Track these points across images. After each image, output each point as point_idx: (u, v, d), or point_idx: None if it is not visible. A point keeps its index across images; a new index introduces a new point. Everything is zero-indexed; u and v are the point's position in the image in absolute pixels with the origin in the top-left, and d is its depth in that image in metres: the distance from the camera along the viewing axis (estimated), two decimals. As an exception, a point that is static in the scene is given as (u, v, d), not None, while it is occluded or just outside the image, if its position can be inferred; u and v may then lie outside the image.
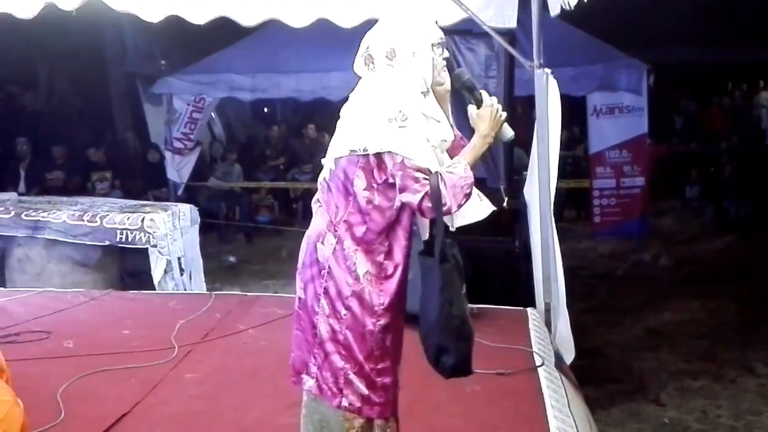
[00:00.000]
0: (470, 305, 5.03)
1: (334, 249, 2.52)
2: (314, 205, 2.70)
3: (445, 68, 2.59)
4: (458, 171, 2.45)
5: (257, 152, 12.69)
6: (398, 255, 2.53)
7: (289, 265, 8.42)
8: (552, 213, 4.35)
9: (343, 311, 2.51)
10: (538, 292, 4.84)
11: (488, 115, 2.57)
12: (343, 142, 2.54)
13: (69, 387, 3.90)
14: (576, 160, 11.46)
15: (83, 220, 6.30)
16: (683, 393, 5.20)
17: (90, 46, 11.33)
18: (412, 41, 2.51)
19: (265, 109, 14.39)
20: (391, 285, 2.52)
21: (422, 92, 2.51)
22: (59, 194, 8.24)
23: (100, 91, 12.39)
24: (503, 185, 5.79)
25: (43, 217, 6.37)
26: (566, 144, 10.20)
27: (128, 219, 6.23)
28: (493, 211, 2.71)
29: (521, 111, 8.16)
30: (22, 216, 6.40)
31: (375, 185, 2.48)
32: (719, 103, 14.32)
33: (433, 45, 2.53)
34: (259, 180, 11.72)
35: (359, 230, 2.50)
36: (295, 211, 11.77)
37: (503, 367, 4.06)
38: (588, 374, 5.05)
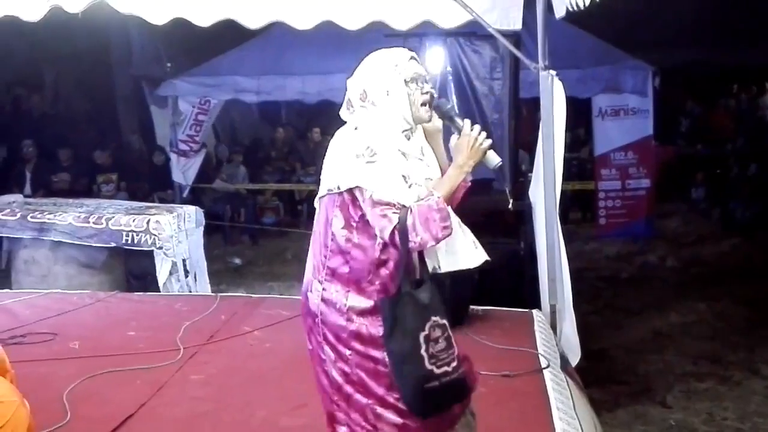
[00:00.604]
0: (476, 307, 5.08)
1: (322, 296, 2.50)
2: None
3: (428, 103, 2.53)
4: (430, 203, 2.39)
5: (262, 154, 12.70)
6: (393, 289, 2.44)
7: (294, 267, 8.49)
8: (558, 214, 4.34)
9: (348, 352, 2.48)
10: (543, 293, 4.84)
11: (465, 145, 2.49)
12: (322, 184, 2.54)
13: (75, 388, 3.91)
14: (581, 162, 11.44)
15: (89, 222, 6.32)
16: (689, 395, 5.19)
17: (96, 48, 11.35)
18: (384, 80, 2.49)
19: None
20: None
21: (404, 131, 2.50)
22: (65, 196, 8.25)
23: (105, 93, 12.42)
24: (508, 187, 5.79)
25: (49, 219, 6.39)
26: (571, 146, 10.20)
27: (134, 221, 6.24)
28: (486, 261, 2.67)
29: (526, 113, 8.16)
30: (28, 218, 6.42)
31: (353, 223, 2.45)
32: (725, 105, 14.28)
33: (406, 81, 2.50)
34: (264, 182, 11.73)
35: (343, 271, 2.47)
36: (300, 213, 11.77)
37: (509, 369, 4.05)
38: (594, 376, 5.05)
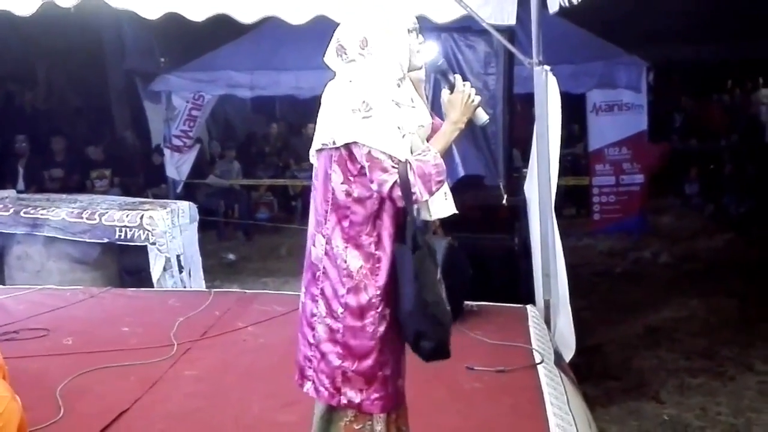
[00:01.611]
0: (470, 302, 5.08)
1: (325, 249, 2.53)
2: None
3: (420, 53, 2.59)
4: (428, 158, 2.43)
5: (256, 150, 12.68)
6: (387, 243, 2.49)
7: (288, 263, 8.49)
8: (553, 210, 4.34)
9: (340, 310, 2.50)
10: (537, 289, 4.84)
11: (459, 101, 2.55)
12: (317, 137, 2.57)
13: (68, 384, 3.90)
14: (575, 158, 11.46)
15: (82, 218, 6.29)
16: (683, 390, 5.20)
17: (89, 43, 11.31)
18: (387, 27, 2.50)
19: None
20: (384, 274, 2.49)
21: (398, 79, 2.51)
22: (58, 192, 8.23)
23: (98, 88, 12.38)
24: (502, 182, 5.79)
25: (42, 214, 6.36)
26: (566, 141, 10.16)
27: (127, 216, 6.22)
28: (454, 213, 2.69)
29: (521, 108, 8.17)
30: (21, 213, 6.39)
31: (351, 177, 2.47)
32: (719, 100, 14.31)
33: (408, 30, 2.53)
34: (258, 177, 11.72)
35: (344, 225, 2.49)
36: (294, 209, 11.75)
37: (503, 365, 4.06)
38: (587, 372, 5.07)
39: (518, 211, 5.63)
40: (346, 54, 2.52)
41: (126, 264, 6.52)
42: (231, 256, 9.41)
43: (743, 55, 13.40)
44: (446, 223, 2.61)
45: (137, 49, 11.57)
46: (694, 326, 6.49)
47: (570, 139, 11.25)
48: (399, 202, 2.42)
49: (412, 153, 2.45)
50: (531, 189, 4.83)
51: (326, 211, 2.52)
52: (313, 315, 2.57)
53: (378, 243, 2.49)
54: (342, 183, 2.48)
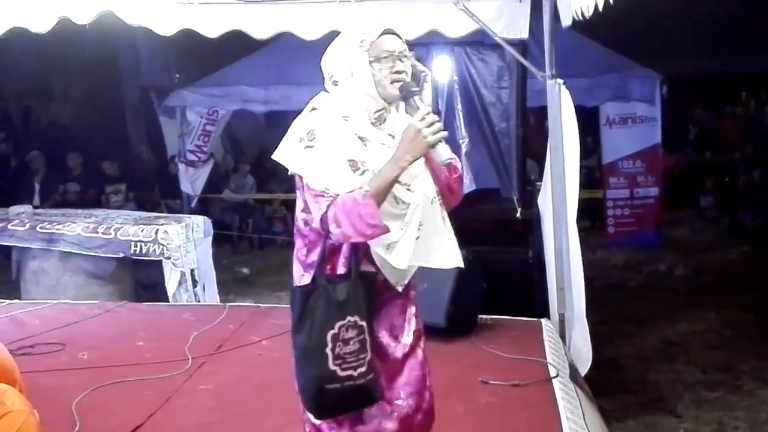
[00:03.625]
0: (484, 316, 5.07)
1: (293, 277, 2.48)
2: None
3: (401, 81, 2.35)
4: (355, 196, 2.23)
5: (270, 164, 12.71)
6: (307, 279, 2.41)
7: (302, 277, 8.46)
8: (574, 222, 4.29)
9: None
10: (552, 302, 4.82)
11: (409, 135, 2.27)
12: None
13: (83, 399, 3.91)
14: (589, 171, 11.43)
15: (98, 233, 6.33)
16: (700, 404, 5.15)
17: (104, 59, 11.41)
18: (347, 60, 2.39)
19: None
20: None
21: (377, 111, 2.38)
22: (74, 207, 8.29)
23: (114, 104, 12.48)
24: (516, 195, 5.78)
25: (57, 229, 6.41)
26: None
27: (142, 231, 6.26)
28: (460, 268, 2.53)
29: (534, 121, 8.16)
30: (37, 228, 6.45)
31: (305, 204, 2.39)
32: (733, 113, 14.25)
33: (372, 61, 2.34)
34: (272, 192, 11.75)
35: (301, 254, 2.45)
36: (307, 223, 11.75)
37: (517, 379, 4.04)
38: (603, 386, 5.02)
39: (532, 225, 5.62)
40: (324, 84, 2.47)
41: (141, 278, 6.57)
42: (245, 270, 9.43)
43: (757, 68, 13.34)
44: (461, 236, 2.49)
45: (152, 64, 11.68)
46: (710, 340, 6.44)
47: (584, 151, 11.23)
48: (331, 237, 2.31)
49: None
50: (545, 202, 4.81)
51: (293, 238, 2.49)
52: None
53: (333, 272, 2.39)
54: (302, 210, 2.43)
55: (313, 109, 2.42)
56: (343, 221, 2.23)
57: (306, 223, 2.42)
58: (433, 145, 2.27)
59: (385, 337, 2.48)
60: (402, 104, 2.42)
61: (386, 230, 2.25)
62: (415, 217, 2.34)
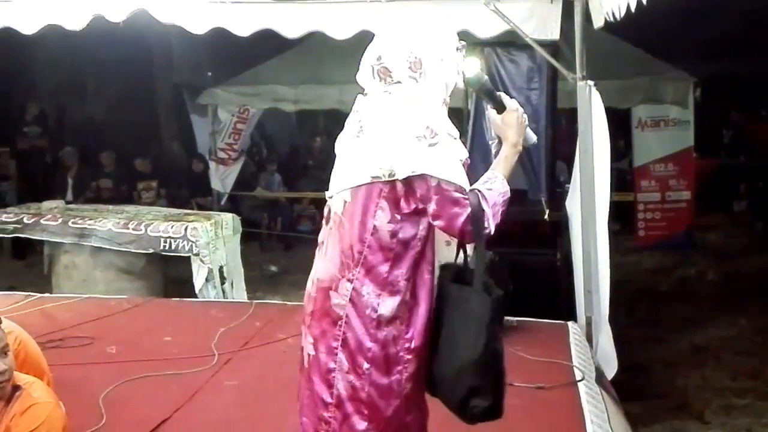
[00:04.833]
0: (510, 318, 5.05)
1: (351, 296, 2.23)
2: (319, 248, 2.40)
3: (460, 73, 2.38)
4: (497, 186, 2.22)
5: (300, 163, 12.78)
6: (423, 292, 2.26)
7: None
8: (605, 225, 4.24)
9: (365, 365, 2.22)
10: (579, 305, 4.79)
11: (515, 121, 2.36)
12: (361, 169, 2.25)
13: (111, 392, 3.96)
14: (620, 173, 11.29)
15: (128, 228, 6.40)
16: (728, 411, 5.10)
17: (138, 57, 11.52)
18: (439, 48, 2.29)
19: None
20: (418, 327, 2.25)
21: (443, 104, 2.30)
22: (106, 203, 8.38)
23: (147, 101, 12.59)
24: (544, 197, 5.75)
25: (89, 224, 6.49)
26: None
27: (172, 227, 6.31)
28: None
29: (564, 123, 8.10)
30: (69, 223, 6.53)
31: (399, 215, 2.20)
32: (768, 116, 14.04)
33: (457, 49, 2.34)
34: (301, 190, 11.80)
35: (382, 270, 2.22)
36: (336, 222, 11.77)
37: (543, 381, 4.02)
38: (631, 390, 4.98)
39: (560, 227, 5.58)
40: (390, 77, 2.26)
41: (170, 274, 6.62)
42: (273, 268, 9.49)
43: (793, 70, 13.14)
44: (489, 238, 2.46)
45: (185, 63, 11.79)
46: (740, 346, 6.36)
47: (615, 154, 11.13)
48: (469, 237, 2.19)
49: None
50: (573, 204, 4.78)
51: (360, 253, 2.23)
52: (330, 371, 2.27)
53: (413, 292, 2.25)
54: (389, 222, 2.20)
55: (397, 104, 2.23)
56: (497, 213, 2.22)
57: (394, 234, 2.22)
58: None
59: None
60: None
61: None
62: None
